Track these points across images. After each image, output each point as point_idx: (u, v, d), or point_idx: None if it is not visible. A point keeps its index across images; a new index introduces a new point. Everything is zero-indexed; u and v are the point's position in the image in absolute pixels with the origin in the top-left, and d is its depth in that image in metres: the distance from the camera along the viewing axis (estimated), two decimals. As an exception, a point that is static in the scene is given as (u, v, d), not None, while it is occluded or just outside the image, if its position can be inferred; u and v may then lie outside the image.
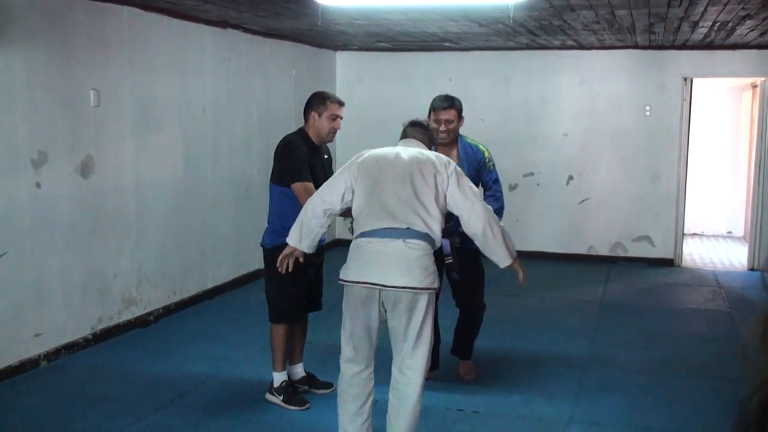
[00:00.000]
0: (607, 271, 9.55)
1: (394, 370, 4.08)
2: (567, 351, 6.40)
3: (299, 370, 5.33)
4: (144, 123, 6.80)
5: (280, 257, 4.35)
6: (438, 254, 4.99)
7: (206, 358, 6.04)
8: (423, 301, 3.93)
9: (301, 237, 4.22)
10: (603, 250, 10.13)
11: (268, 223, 5.11)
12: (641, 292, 8.61)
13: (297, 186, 4.78)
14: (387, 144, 5.08)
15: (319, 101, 5.01)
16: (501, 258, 4.16)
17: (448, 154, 5.19)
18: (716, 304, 8.11)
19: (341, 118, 5.06)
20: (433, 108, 5.26)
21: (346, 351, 4.11)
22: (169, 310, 7.20)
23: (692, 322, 7.49)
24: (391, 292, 3.90)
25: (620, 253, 10.08)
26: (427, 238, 3.93)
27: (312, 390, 5.29)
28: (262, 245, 5.15)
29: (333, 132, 5.03)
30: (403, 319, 3.94)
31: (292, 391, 5.11)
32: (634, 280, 9.14)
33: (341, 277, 4.01)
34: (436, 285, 3.97)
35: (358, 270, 3.94)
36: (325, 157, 5.16)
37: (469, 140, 5.41)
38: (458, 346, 5.69)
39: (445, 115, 5.22)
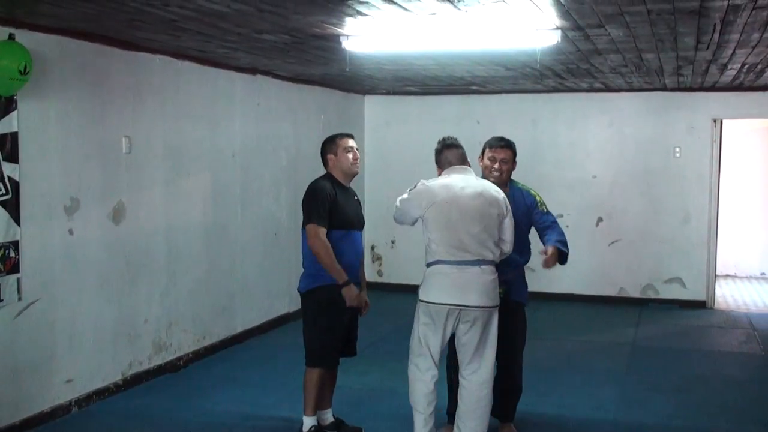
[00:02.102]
0: (638, 314, 9.45)
1: (462, 380, 4.77)
2: (599, 395, 6.31)
3: (328, 416, 5.31)
4: (175, 169, 6.88)
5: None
6: None
7: (235, 403, 6.03)
8: (495, 316, 4.70)
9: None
10: (634, 292, 10.03)
11: (303, 268, 5.13)
12: (673, 335, 8.50)
13: (309, 228, 4.89)
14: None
15: (329, 144, 5.18)
16: None
17: None
18: (750, 347, 7.99)
19: (356, 149, 5.18)
20: (490, 146, 5.20)
21: (420, 361, 4.74)
22: (198, 355, 7.21)
23: (726, 365, 7.37)
24: (471, 312, 4.59)
25: (651, 295, 9.98)
26: (494, 263, 4.68)
27: None
28: (298, 290, 5.17)
29: (355, 162, 5.14)
30: (478, 333, 4.64)
31: None
32: (666, 323, 9.03)
33: (422, 298, 4.67)
34: (498, 302, 4.71)
35: (441, 293, 4.60)
36: (355, 198, 5.22)
37: (520, 185, 5.36)
38: (499, 406, 5.27)
39: (501, 154, 5.15)
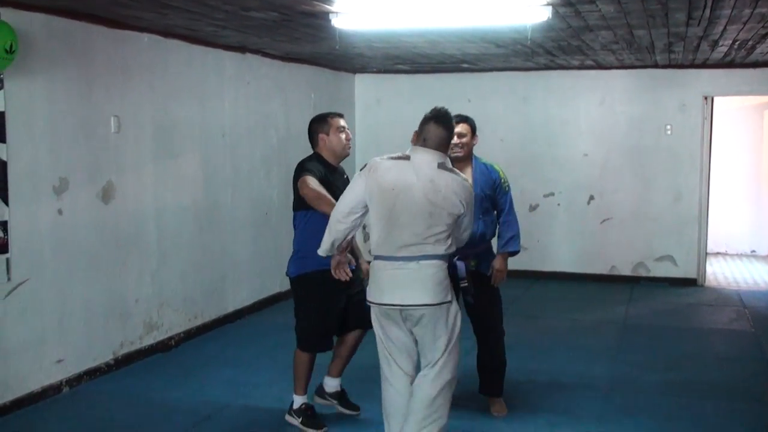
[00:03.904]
0: (630, 292, 9.47)
1: (417, 378, 4.26)
2: (590, 373, 6.33)
3: (335, 384, 5.26)
4: (164, 148, 6.84)
5: (333, 267, 4.41)
6: (453, 278, 4.98)
7: (227, 383, 6.03)
8: (447, 312, 4.17)
9: (333, 243, 4.27)
10: (625, 270, 10.06)
11: (294, 251, 5.01)
12: (664, 313, 8.53)
13: (301, 180, 4.68)
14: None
15: (320, 122, 5.03)
16: None
17: (461, 171, 5.18)
18: (741, 325, 8.02)
19: (347, 129, 5.05)
20: None
21: (384, 368, 4.32)
22: (189, 335, 7.21)
23: (716, 342, 7.40)
24: (413, 311, 4.11)
25: (642, 273, 10.01)
26: (438, 257, 4.11)
27: (339, 408, 5.25)
28: (287, 275, 5.05)
29: (347, 143, 5.02)
30: (428, 331, 4.16)
31: (310, 414, 5.08)
32: (657, 301, 9.06)
33: (367, 297, 4.26)
34: (449, 298, 4.16)
35: (379, 293, 4.16)
36: (344, 177, 5.12)
37: (484, 160, 5.37)
38: (484, 384, 5.45)
39: (458, 128, 5.15)
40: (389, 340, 4.24)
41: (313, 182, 4.64)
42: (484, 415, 5.32)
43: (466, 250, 4.99)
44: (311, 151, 5.08)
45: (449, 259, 4.26)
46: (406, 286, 4.08)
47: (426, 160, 4.10)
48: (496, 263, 5.30)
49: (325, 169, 4.88)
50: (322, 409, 5.24)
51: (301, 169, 4.80)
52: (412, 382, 4.24)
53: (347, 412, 5.26)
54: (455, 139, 5.14)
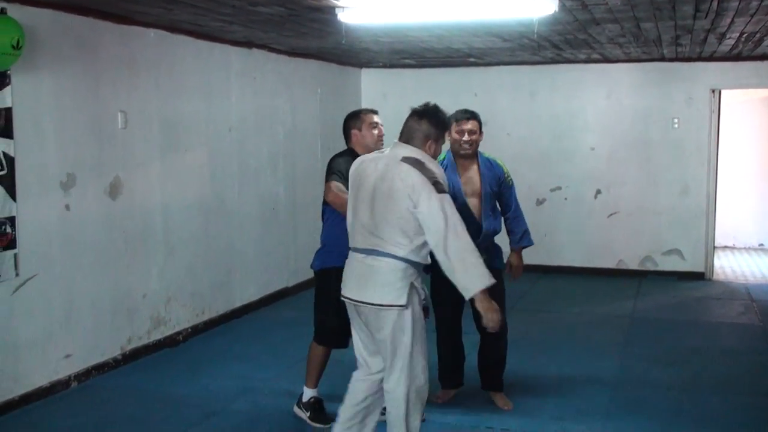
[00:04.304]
0: (637, 286, 9.46)
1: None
2: (597, 367, 6.33)
3: None
4: (171, 144, 6.85)
5: None
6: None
7: (234, 378, 6.04)
8: (390, 318, 3.94)
9: None
10: (632, 264, 10.04)
11: (321, 245, 5.01)
12: (672, 307, 8.51)
13: (327, 185, 4.72)
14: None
15: (354, 118, 5.02)
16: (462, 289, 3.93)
17: (468, 168, 5.21)
18: (749, 318, 8.00)
19: (381, 124, 5.03)
20: (456, 119, 5.19)
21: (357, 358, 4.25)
22: (197, 330, 7.22)
23: (724, 336, 7.39)
24: (362, 307, 4.02)
25: (650, 267, 9.99)
26: (394, 257, 3.91)
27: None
28: (311, 267, 5.05)
29: (379, 139, 4.98)
30: (383, 334, 3.99)
31: (318, 408, 5.07)
32: (665, 294, 9.04)
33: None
34: (400, 302, 3.90)
35: (343, 282, 4.14)
36: None
37: (487, 155, 5.38)
38: (487, 379, 5.47)
39: (468, 125, 5.16)
40: (353, 328, 4.20)
41: (336, 187, 4.64)
42: (491, 410, 5.31)
43: (478, 246, 5.02)
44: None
45: (417, 266, 3.97)
46: (357, 280, 4.02)
47: (395, 153, 4.01)
48: (514, 259, 5.37)
49: None
50: (332, 408, 5.22)
51: (330, 171, 4.78)
52: (372, 375, 4.18)
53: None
54: (465, 136, 5.16)
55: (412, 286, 3.94)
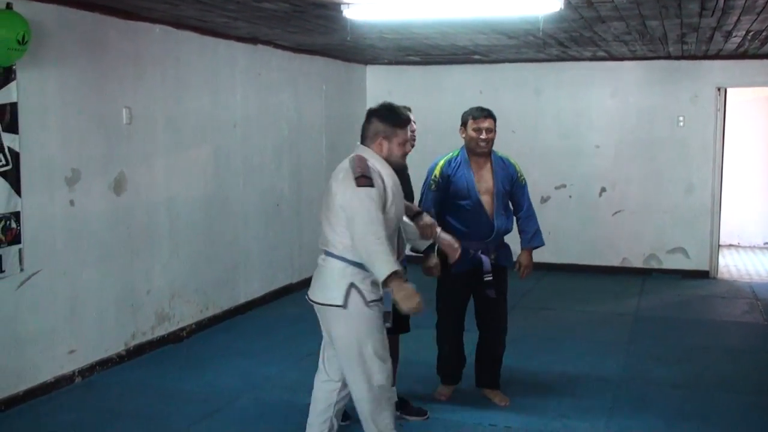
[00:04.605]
0: (641, 284, 9.45)
1: None
2: (601, 365, 6.32)
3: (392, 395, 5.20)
4: (175, 139, 6.85)
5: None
6: (478, 272, 5.02)
7: (238, 374, 6.04)
8: (335, 317, 3.92)
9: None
10: (637, 263, 10.03)
11: None
12: (676, 305, 8.50)
13: None
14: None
15: None
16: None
17: (482, 166, 5.20)
18: (753, 317, 7.99)
19: (414, 124, 4.85)
20: (473, 117, 5.16)
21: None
22: (201, 326, 7.22)
23: (728, 335, 7.38)
24: (314, 306, 4.04)
25: (654, 265, 9.97)
26: (336, 256, 3.91)
27: (404, 416, 5.07)
28: None
29: (411, 138, 4.74)
30: (327, 333, 4.04)
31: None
32: (669, 293, 9.03)
33: None
34: (337, 302, 3.87)
35: None
36: (406, 171, 4.86)
37: (500, 154, 5.37)
38: (485, 376, 5.47)
39: (485, 123, 5.12)
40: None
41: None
42: (494, 408, 5.31)
43: (489, 245, 5.10)
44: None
45: (360, 266, 3.86)
46: (312, 279, 4.07)
47: (353, 154, 4.05)
48: (524, 259, 5.37)
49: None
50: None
51: None
52: (327, 383, 4.18)
53: (413, 418, 5.09)
54: (483, 134, 5.13)
55: (352, 286, 3.87)
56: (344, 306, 3.86)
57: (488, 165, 5.24)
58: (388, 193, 3.92)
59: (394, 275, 3.66)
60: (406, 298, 3.68)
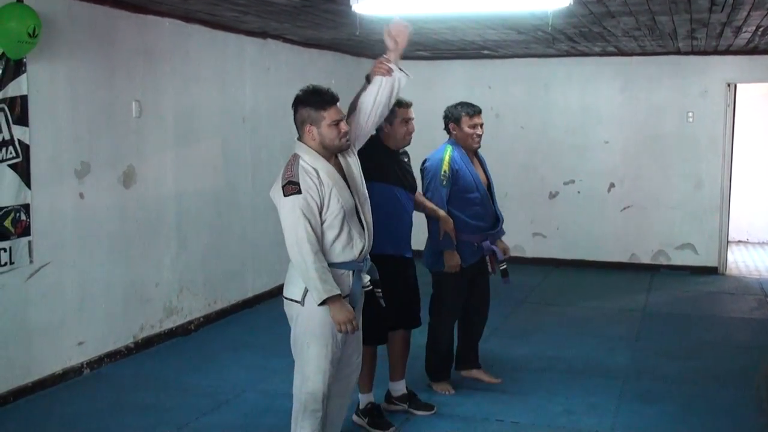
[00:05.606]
0: (650, 280, 9.43)
1: None
2: (608, 361, 6.32)
3: (400, 387, 5.15)
4: (185, 133, 6.87)
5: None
6: (492, 260, 5.17)
7: (246, 367, 6.06)
8: (293, 312, 3.91)
9: None
10: (645, 258, 10.01)
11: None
12: (684, 301, 8.49)
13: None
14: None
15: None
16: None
17: (471, 160, 5.30)
18: (762, 313, 7.97)
19: (413, 119, 4.93)
20: (468, 114, 5.27)
21: None
22: (209, 319, 7.25)
23: (737, 331, 7.36)
24: None
25: (663, 261, 9.96)
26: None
27: (411, 410, 5.09)
28: None
29: (409, 135, 4.90)
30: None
31: (376, 414, 4.93)
32: (677, 289, 9.02)
33: None
34: (295, 297, 3.85)
35: None
36: (405, 160, 4.98)
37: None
38: (469, 355, 5.67)
39: (480, 119, 5.35)
40: None
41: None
42: (501, 403, 5.32)
43: (494, 235, 5.24)
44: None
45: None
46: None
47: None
48: (505, 247, 5.54)
49: (383, 153, 4.81)
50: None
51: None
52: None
53: (420, 413, 5.09)
54: (479, 130, 5.24)
55: None
56: (301, 303, 3.83)
57: (476, 159, 5.43)
58: (324, 189, 3.80)
59: (328, 299, 3.68)
60: (340, 320, 3.74)
